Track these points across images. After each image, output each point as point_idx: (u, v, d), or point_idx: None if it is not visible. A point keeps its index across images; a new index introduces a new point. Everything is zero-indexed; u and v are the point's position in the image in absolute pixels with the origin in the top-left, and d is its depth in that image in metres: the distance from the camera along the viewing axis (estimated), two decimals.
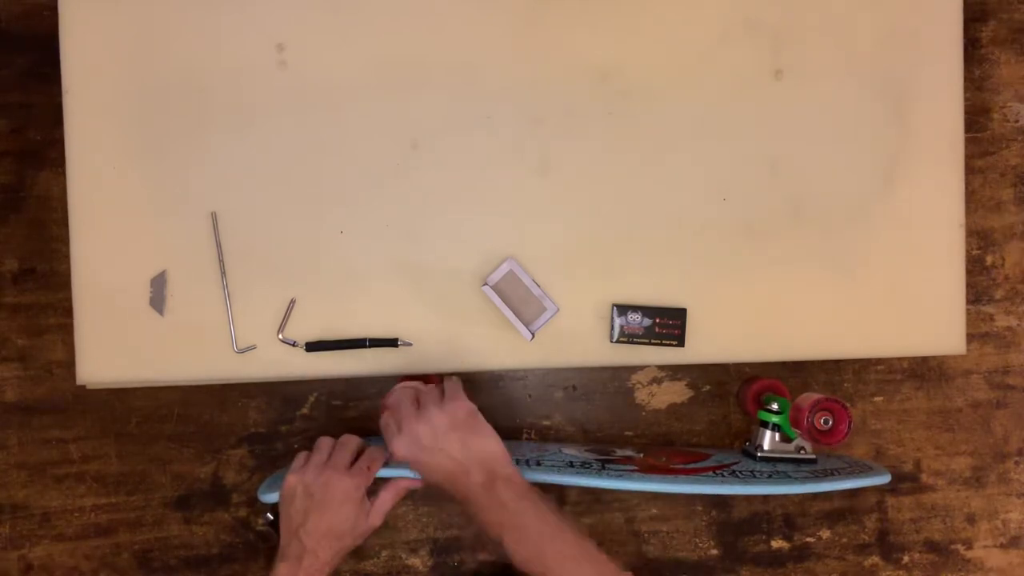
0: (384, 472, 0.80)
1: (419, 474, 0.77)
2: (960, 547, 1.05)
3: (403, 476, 0.80)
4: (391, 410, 0.78)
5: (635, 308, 0.89)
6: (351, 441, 0.81)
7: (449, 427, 0.75)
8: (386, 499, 0.80)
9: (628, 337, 0.89)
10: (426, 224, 0.89)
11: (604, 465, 0.88)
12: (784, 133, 0.92)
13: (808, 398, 0.88)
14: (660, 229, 0.91)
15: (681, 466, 0.90)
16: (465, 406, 0.77)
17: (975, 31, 1.04)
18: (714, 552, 1.03)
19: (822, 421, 0.87)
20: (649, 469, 0.88)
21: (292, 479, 0.77)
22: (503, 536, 0.71)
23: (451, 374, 0.84)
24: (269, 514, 0.84)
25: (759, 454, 0.92)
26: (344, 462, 0.79)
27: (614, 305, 0.89)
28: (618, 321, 0.89)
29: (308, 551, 0.75)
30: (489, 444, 0.76)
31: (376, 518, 0.79)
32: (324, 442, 0.81)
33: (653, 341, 0.89)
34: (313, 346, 0.87)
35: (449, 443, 0.74)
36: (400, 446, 0.75)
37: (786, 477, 0.86)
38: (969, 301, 0.98)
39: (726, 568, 1.03)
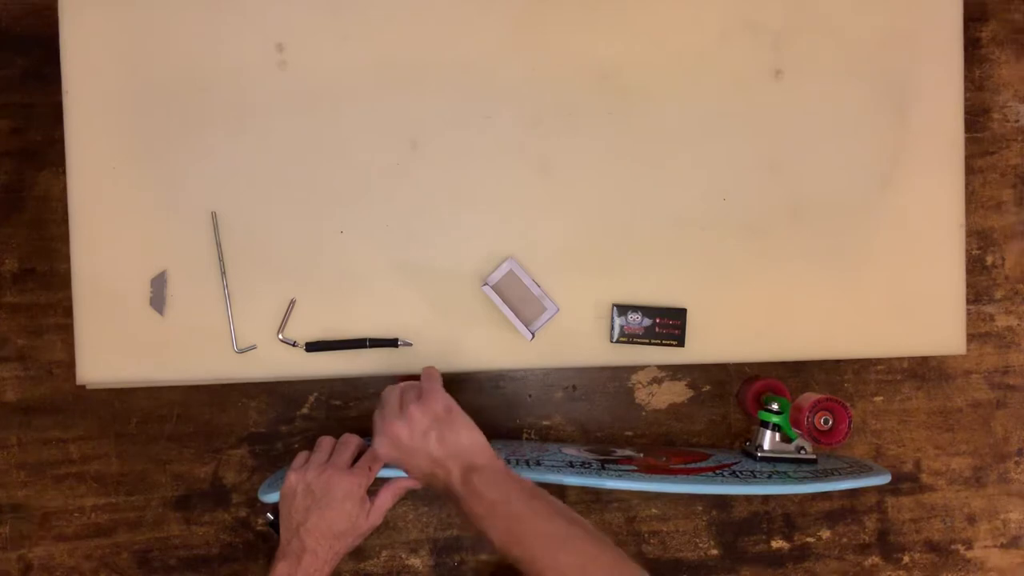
0: (385, 472, 0.80)
1: (405, 473, 0.78)
2: (960, 547, 1.05)
3: (403, 476, 0.80)
4: (378, 410, 0.78)
5: (635, 308, 0.89)
6: (352, 440, 0.82)
7: (427, 426, 0.75)
8: (386, 498, 0.80)
9: (628, 337, 0.89)
10: (426, 224, 0.89)
11: (604, 465, 0.88)
12: (784, 133, 0.92)
13: (808, 398, 0.88)
14: (660, 229, 0.91)
15: (681, 466, 0.90)
16: (441, 401, 0.76)
17: (975, 31, 1.04)
18: (714, 552, 1.02)
19: (822, 421, 0.87)
20: (649, 469, 0.88)
21: (293, 477, 0.78)
22: (484, 526, 0.70)
23: (441, 370, 0.84)
24: (269, 514, 0.84)
25: (759, 454, 0.92)
26: (345, 461, 0.79)
27: (614, 305, 0.89)
28: (618, 321, 0.89)
29: (308, 549, 0.75)
30: (465, 437, 0.75)
31: (376, 517, 0.79)
32: (325, 441, 0.82)
33: (653, 341, 0.89)
34: (313, 346, 0.87)
35: (427, 442, 0.74)
36: (382, 448, 0.76)
37: (786, 477, 0.86)
38: (969, 301, 0.98)
39: (726, 568, 1.03)
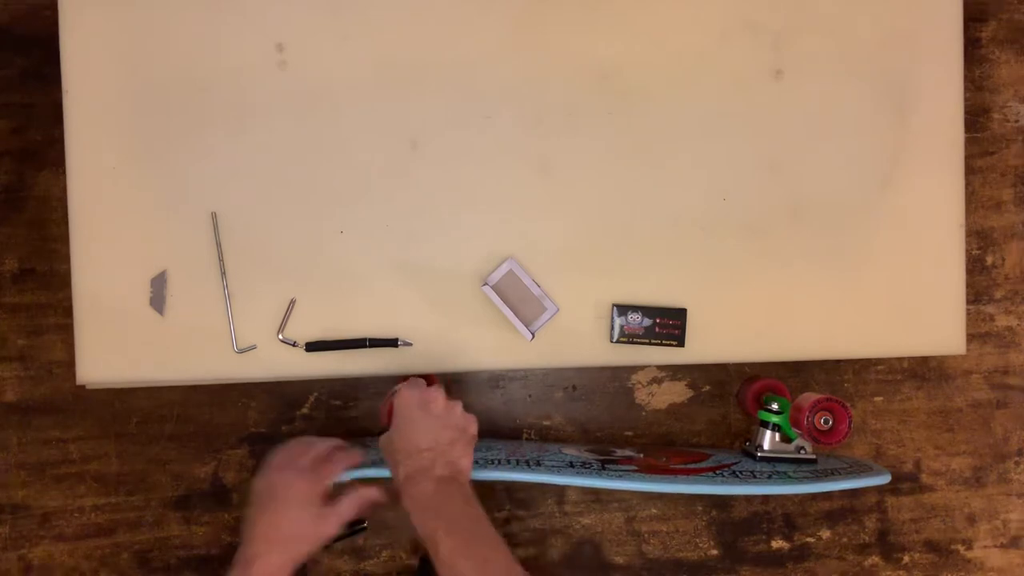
0: (364, 472, 0.79)
1: (394, 431, 0.76)
2: (960, 547, 1.05)
3: (377, 476, 0.79)
4: (430, 382, 0.79)
5: (635, 308, 0.89)
6: (317, 443, 0.79)
7: (455, 426, 0.76)
8: (346, 507, 0.75)
9: (628, 337, 0.89)
10: (426, 224, 0.89)
11: (604, 465, 0.88)
12: (784, 133, 0.92)
13: (808, 398, 0.88)
14: (660, 229, 0.91)
15: (681, 466, 0.90)
16: (475, 429, 0.78)
17: (975, 31, 1.04)
18: (714, 552, 1.02)
19: (822, 421, 0.87)
20: (649, 469, 0.88)
21: (257, 481, 0.75)
22: (436, 527, 0.69)
23: (454, 377, 0.84)
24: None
25: (759, 454, 0.92)
26: (305, 464, 0.76)
27: (614, 305, 0.89)
28: (618, 321, 0.89)
29: (259, 555, 0.71)
30: (466, 461, 0.76)
31: (329, 526, 0.74)
32: (295, 442, 0.79)
33: (653, 341, 0.89)
34: (313, 346, 0.87)
35: (445, 431, 0.75)
36: (411, 394, 0.77)
37: (786, 477, 0.86)
38: (969, 301, 0.98)
39: (726, 568, 1.03)
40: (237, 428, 0.98)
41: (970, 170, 1.00)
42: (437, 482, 0.72)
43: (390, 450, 0.76)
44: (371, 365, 0.88)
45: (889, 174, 0.93)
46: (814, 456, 0.91)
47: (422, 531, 0.70)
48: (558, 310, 0.88)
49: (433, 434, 0.75)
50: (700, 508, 1.02)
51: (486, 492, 1.00)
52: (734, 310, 0.91)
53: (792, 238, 0.92)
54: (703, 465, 0.90)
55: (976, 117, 1.04)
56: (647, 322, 0.89)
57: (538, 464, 0.86)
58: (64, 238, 0.88)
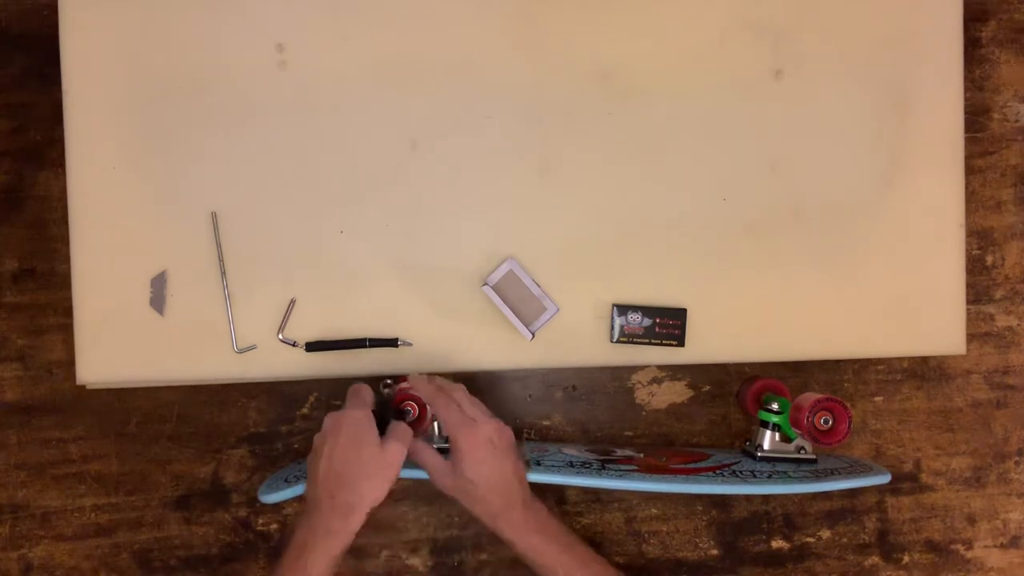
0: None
1: (470, 475, 0.76)
2: (960, 547, 1.05)
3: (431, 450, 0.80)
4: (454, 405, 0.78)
5: (635, 308, 0.89)
6: (361, 389, 0.80)
7: (507, 446, 0.79)
8: (398, 436, 0.76)
9: (628, 337, 0.89)
10: (426, 224, 0.89)
11: (604, 465, 0.88)
12: (784, 133, 0.92)
13: (808, 398, 0.88)
14: (660, 229, 0.91)
15: (681, 466, 0.90)
16: (512, 436, 0.81)
17: (975, 31, 1.04)
18: (714, 552, 1.02)
19: (822, 421, 0.87)
20: (649, 469, 0.88)
21: (317, 438, 0.77)
22: (532, 549, 0.76)
23: (456, 380, 0.84)
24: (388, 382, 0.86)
25: (759, 454, 0.92)
26: (357, 404, 0.77)
27: (614, 305, 0.89)
28: (618, 321, 0.89)
29: (323, 506, 0.72)
30: (524, 469, 0.81)
31: (392, 455, 0.74)
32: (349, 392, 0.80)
33: (653, 341, 0.89)
34: (313, 346, 0.87)
35: (508, 457, 0.78)
36: (479, 439, 0.77)
37: (786, 477, 0.86)
38: (969, 301, 0.98)
39: (726, 568, 1.03)
40: (237, 428, 0.98)
41: (970, 170, 1.00)
42: (522, 506, 0.77)
43: (467, 491, 0.77)
44: (371, 365, 0.88)
45: (889, 174, 0.93)
46: (814, 456, 0.91)
47: (534, 556, 0.77)
48: (558, 310, 0.88)
49: (508, 462, 0.78)
50: (700, 508, 1.02)
51: None
52: (734, 310, 0.91)
53: (792, 238, 0.92)
54: (703, 465, 0.90)
55: (976, 117, 1.04)
56: (647, 322, 0.89)
57: (538, 464, 0.86)
58: (64, 238, 0.88)
